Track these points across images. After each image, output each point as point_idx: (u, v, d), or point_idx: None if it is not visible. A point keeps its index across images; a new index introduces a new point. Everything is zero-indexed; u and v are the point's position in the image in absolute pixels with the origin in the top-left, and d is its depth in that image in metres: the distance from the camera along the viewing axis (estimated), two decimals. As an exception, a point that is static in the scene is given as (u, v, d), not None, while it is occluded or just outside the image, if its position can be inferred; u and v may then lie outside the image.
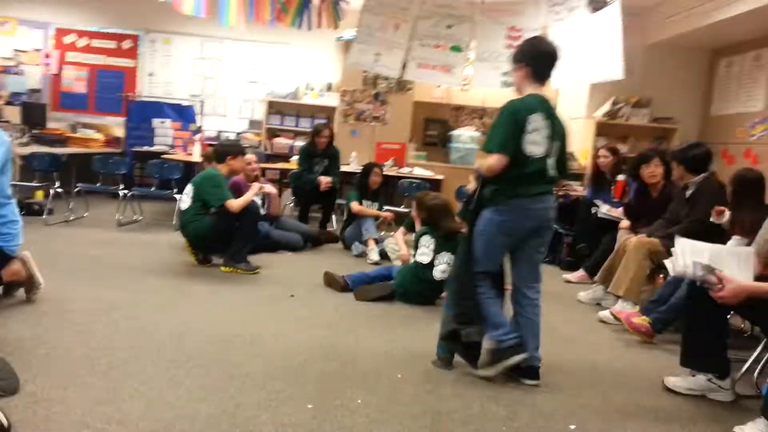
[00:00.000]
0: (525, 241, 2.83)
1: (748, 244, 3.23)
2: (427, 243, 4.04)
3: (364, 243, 5.48)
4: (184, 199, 4.71)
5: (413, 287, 4.05)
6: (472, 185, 4.76)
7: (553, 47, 2.86)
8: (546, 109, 2.76)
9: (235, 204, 4.51)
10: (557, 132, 2.81)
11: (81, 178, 7.01)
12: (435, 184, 7.28)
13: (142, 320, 3.26)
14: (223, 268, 4.56)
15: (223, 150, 4.86)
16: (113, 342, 2.91)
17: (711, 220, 3.75)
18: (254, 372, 2.68)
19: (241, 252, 4.56)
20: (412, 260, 4.30)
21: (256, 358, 2.86)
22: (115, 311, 3.37)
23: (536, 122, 2.70)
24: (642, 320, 3.52)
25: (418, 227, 5.10)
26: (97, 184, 6.63)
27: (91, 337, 2.95)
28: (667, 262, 2.68)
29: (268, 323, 3.40)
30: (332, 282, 4.24)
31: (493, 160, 2.68)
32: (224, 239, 4.58)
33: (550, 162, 2.78)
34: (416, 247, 4.13)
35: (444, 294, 4.13)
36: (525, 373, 2.83)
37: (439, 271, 3.98)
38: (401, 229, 5.24)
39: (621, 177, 4.68)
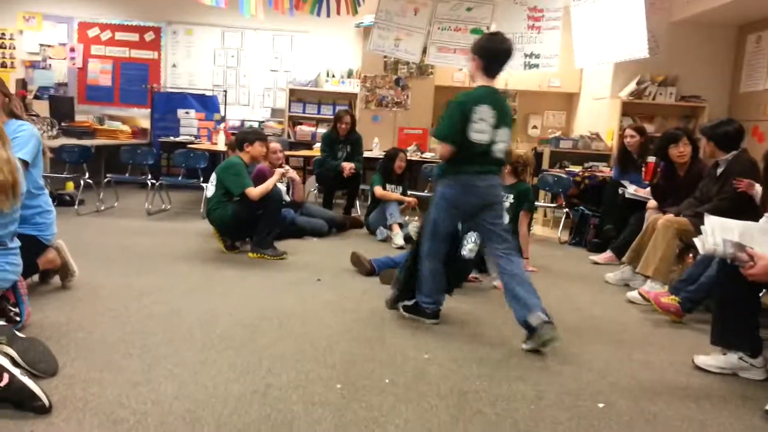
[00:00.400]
0: (478, 216, 3.14)
1: None
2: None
3: (389, 228, 5.51)
4: (209, 188, 4.81)
5: None
6: None
7: (506, 46, 3.06)
8: (493, 100, 3.03)
9: (254, 192, 4.57)
10: (503, 120, 3.06)
11: (110, 169, 7.15)
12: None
13: (174, 305, 3.33)
14: (250, 255, 4.62)
15: (241, 138, 4.91)
16: (146, 326, 2.98)
17: (740, 190, 3.69)
18: (283, 354, 2.73)
19: (266, 238, 4.62)
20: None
21: (284, 340, 2.90)
22: (146, 297, 3.45)
23: (482, 113, 2.98)
24: (671, 300, 3.49)
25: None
26: (126, 175, 6.75)
27: (125, 321, 3.03)
28: (697, 241, 2.64)
29: (295, 307, 3.45)
30: (358, 263, 4.28)
31: (441, 148, 3.08)
32: (248, 226, 4.65)
33: (496, 147, 3.07)
34: None
35: (472, 275, 4.17)
36: (540, 330, 2.88)
37: (467, 250, 4.01)
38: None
39: (651, 159, 4.61)
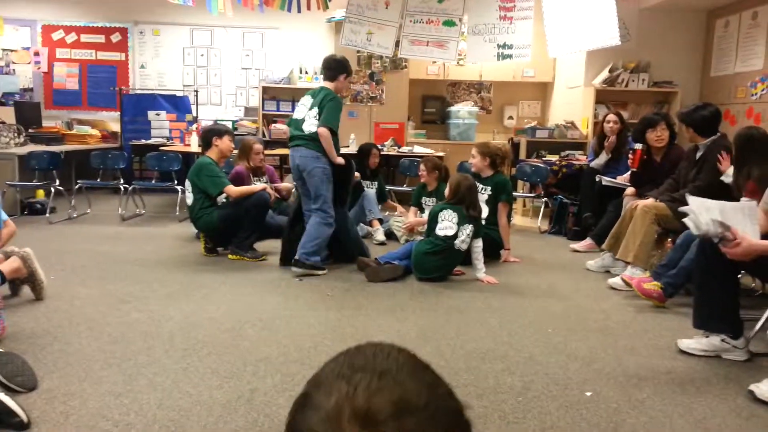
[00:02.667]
0: (304, 179, 4.21)
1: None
2: (450, 217, 4.09)
3: (369, 224, 5.47)
4: (188, 195, 4.69)
5: (431, 262, 4.06)
6: (477, 159, 4.78)
7: (331, 58, 4.51)
8: (313, 93, 4.31)
9: (234, 190, 4.53)
10: (315, 104, 4.20)
11: (80, 174, 7.00)
12: (437, 159, 7.22)
13: (153, 312, 3.26)
14: (230, 256, 4.56)
15: (207, 134, 4.80)
16: (125, 335, 2.91)
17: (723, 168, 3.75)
18: (268, 357, 2.68)
19: (247, 240, 4.56)
20: (418, 238, 4.29)
21: (268, 343, 2.86)
22: (125, 304, 3.38)
23: (303, 100, 4.32)
24: (653, 285, 3.51)
25: (430, 188, 5.18)
26: (97, 180, 6.61)
27: (104, 331, 2.96)
28: (688, 222, 2.64)
29: (278, 308, 3.40)
30: (365, 267, 4.14)
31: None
32: (236, 229, 4.56)
33: (306, 124, 4.20)
34: (433, 222, 4.14)
35: (457, 268, 4.19)
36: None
37: (460, 241, 4.03)
38: (412, 209, 5.28)
39: (638, 146, 4.65)
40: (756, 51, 6.17)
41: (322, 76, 4.49)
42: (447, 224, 4.09)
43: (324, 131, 4.11)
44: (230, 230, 4.55)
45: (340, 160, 4.25)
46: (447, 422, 0.54)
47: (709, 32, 7.06)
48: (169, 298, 3.53)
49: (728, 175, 3.80)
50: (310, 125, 4.16)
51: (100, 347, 2.74)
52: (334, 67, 4.34)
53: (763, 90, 6.01)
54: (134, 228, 5.79)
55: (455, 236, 4.06)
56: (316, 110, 4.17)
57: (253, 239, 4.61)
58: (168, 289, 3.71)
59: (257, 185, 4.87)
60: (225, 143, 4.75)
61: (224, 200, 4.60)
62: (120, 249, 4.79)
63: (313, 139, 4.14)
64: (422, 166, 5.34)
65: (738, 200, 3.45)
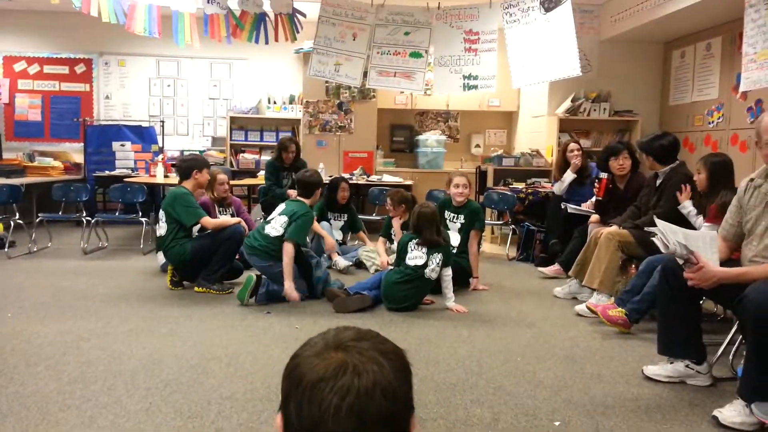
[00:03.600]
0: None
1: None
2: (420, 246, 4.09)
3: (328, 257, 5.39)
4: (161, 225, 4.59)
5: (401, 292, 4.04)
6: (468, 190, 4.79)
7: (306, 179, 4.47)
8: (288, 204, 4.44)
9: (210, 222, 4.52)
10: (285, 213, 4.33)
11: (42, 207, 6.84)
12: (404, 191, 7.27)
13: (115, 349, 3.17)
14: (197, 288, 4.47)
15: (187, 165, 4.75)
16: (85, 375, 2.82)
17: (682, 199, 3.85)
18: (233, 394, 2.62)
19: (216, 273, 4.50)
20: (389, 267, 4.29)
21: (234, 379, 2.80)
22: (85, 342, 3.27)
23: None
24: (618, 312, 3.56)
25: (395, 223, 5.18)
26: (59, 213, 6.46)
27: (62, 371, 2.86)
28: (657, 241, 2.69)
29: (245, 343, 3.34)
30: (333, 297, 4.11)
31: None
32: (207, 262, 4.50)
33: (269, 227, 4.29)
34: (403, 252, 4.13)
35: (427, 297, 4.18)
36: None
37: (430, 270, 4.03)
38: (381, 239, 5.26)
39: (604, 175, 4.76)
40: (711, 81, 6.41)
41: (297, 192, 4.54)
42: (417, 254, 4.10)
43: (289, 247, 4.09)
44: (201, 262, 4.48)
45: (294, 297, 4.08)
46: (389, 348, 0.84)
47: (666, 63, 7.32)
48: (131, 335, 3.44)
49: (685, 207, 3.90)
50: (273, 229, 4.20)
51: (59, 388, 2.65)
52: (311, 187, 4.42)
53: (719, 118, 6.22)
54: (97, 262, 5.65)
55: (425, 265, 4.06)
56: (285, 218, 4.21)
57: (222, 272, 4.55)
58: (131, 325, 3.61)
59: (233, 219, 4.84)
60: (204, 176, 4.74)
61: (197, 232, 4.56)
62: (81, 284, 4.67)
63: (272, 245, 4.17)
64: (388, 200, 5.36)
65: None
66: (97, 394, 2.60)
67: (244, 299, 4.11)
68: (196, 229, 4.56)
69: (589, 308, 3.89)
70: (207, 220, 4.53)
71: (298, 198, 4.40)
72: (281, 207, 4.37)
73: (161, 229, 4.59)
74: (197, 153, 7.61)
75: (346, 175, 7.57)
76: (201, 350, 3.18)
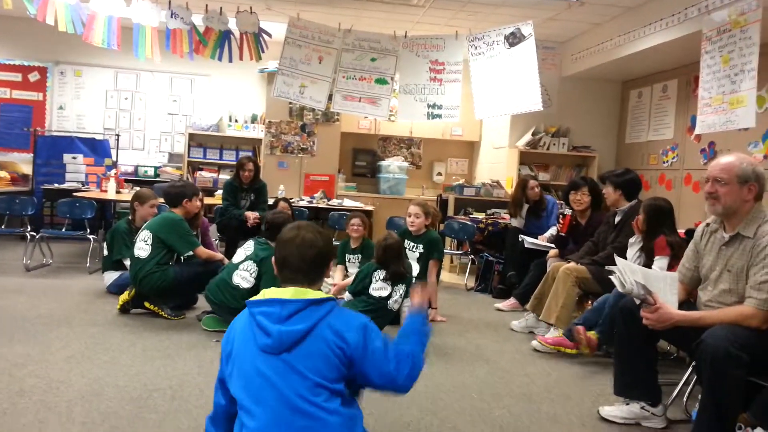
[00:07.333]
0: None
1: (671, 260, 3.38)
2: (383, 276, 4.00)
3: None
4: (142, 247, 4.31)
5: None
6: (420, 220, 4.70)
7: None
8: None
9: (204, 253, 4.49)
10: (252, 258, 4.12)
11: (-17, 220, 6.51)
12: (365, 215, 7.20)
13: (51, 378, 2.98)
14: (146, 304, 4.25)
15: (177, 193, 4.55)
16: (16, 406, 2.62)
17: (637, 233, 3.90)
18: (177, 431, 2.47)
19: (178, 299, 4.39)
20: (347, 296, 4.18)
21: (178, 415, 2.65)
22: (19, 369, 3.07)
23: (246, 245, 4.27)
24: (592, 334, 3.57)
25: (354, 245, 5.07)
26: (2, 227, 6.15)
27: (-10, 402, 2.65)
28: (614, 279, 2.69)
29: (191, 374, 3.18)
30: None
31: None
32: (185, 290, 4.41)
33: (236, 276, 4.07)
34: (367, 280, 4.02)
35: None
36: None
37: (393, 301, 3.96)
38: (339, 267, 5.14)
39: (568, 212, 4.81)
40: (666, 121, 6.60)
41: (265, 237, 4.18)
42: (381, 284, 4.01)
43: None
44: (175, 292, 4.33)
45: None
46: (321, 230, 1.85)
47: (624, 102, 7.52)
48: (71, 362, 3.24)
49: (632, 244, 3.93)
50: (243, 280, 3.95)
51: (-16, 422, 2.45)
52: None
53: (673, 158, 6.40)
54: (39, 280, 5.37)
55: (389, 296, 3.99)
56: (253, 265, 3.97)
57: (183, 300, 4.45)
58: (70, 351, 3.41)
59: (219, 254, 4.81)
60: (194, 204, 4.60)
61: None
62: (21, 304, 4.41)
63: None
64: (356, 221, 5.16)
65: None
66: (27, 428, 2.42)
67: (211, 327, 4.01)
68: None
69: (542, 342, 3.92)
70: (201, 251, 4.47)
71: (263, 238, 4.16)
72: (247, 247, 4.11)
73: (142, 251, 4.30)
74: (186, 180, 7.36)
75: (306, 198, 7.49)
76: (144, 381, 3.01)
